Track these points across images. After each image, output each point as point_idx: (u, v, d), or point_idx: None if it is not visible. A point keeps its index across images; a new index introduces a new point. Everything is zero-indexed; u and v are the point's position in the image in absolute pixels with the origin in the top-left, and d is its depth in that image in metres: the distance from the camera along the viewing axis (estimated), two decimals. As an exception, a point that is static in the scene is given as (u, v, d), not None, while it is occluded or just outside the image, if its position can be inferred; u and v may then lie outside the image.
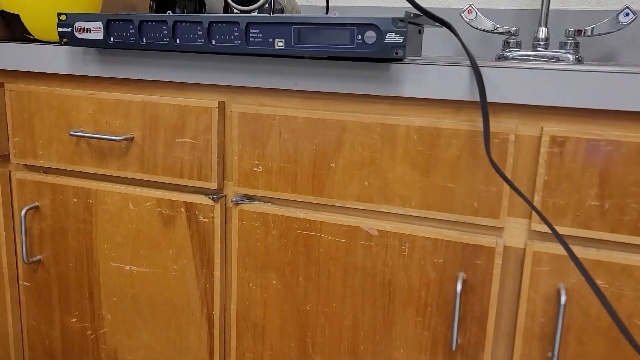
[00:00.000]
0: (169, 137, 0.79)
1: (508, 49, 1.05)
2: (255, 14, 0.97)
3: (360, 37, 0.63)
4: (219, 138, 0.77)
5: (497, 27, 1.04)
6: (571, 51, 1.01)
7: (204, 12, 1.06)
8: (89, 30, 0.75)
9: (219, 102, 0.76)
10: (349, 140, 0.71)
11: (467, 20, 1.06)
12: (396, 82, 0.67)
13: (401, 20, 0.61)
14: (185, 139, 0.78)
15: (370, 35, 0.63)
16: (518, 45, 1.05)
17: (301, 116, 0.72)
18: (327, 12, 1.20)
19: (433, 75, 0.65)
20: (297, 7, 1.09)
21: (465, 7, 1.06)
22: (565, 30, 1.01)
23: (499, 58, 1.06)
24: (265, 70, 0.72)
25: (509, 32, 1.04)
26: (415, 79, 0.66)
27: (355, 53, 0.64)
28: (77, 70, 0.81)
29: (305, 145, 0.73)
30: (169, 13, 0.78)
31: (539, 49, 1.03)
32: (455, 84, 0.64)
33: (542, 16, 1.02)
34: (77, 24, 0.75)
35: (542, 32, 1.03)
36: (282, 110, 0.73)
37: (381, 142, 0.69)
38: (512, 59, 1.04)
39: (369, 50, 0.63)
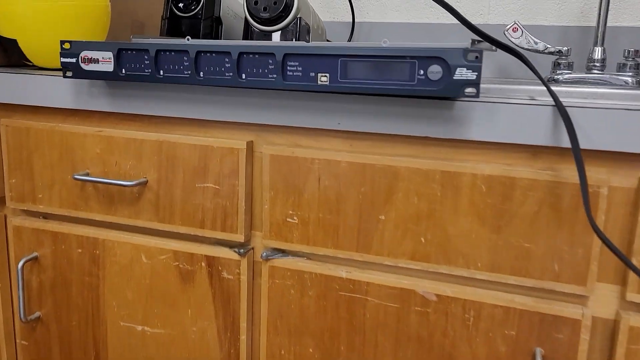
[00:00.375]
0: (188, 182, 0.68)
1: (559, 71, 0.95)
2: (279, 40, 0.87)
3: (422, 72, 0.53)
4: (246, 183, 0.66)
5: (548, 47, 0.93)
6: (630, 73, 0.91)
7: (221, 32, 0.96)
8: (96, 61, 0.64)
9: (247, 142, 0.66)
10: (402, 188, 0.60)
11: (512, 38, 0.96)
12: (461, 122, 0.56)
13: (474, 51, 0.51)
14: (207, 184, 0.68)
15: (435, 70, 0.52)
16: (570, 67, 0.94)
17: (345, 160, 0.62)
18: (352, 29, 1.11)
19: (506, 115, 0.55)
20: (322, 25, 0.99)
21: (510, 25, 0.95)
22: (624, 50, 0.91)
23: (548, 81, 0.95)
24: (302, 107, 0.62)
25: (560, 51, 0.94)
26: (484, 120, 0.56)
27: (415, 91, 0.53)
28: (83, 104, 0.70)
29: (350, 194, 0.62)
30: (188, 39, 0.68)
31: (594, 71, 0.93)
32: (534, 126, 0.54)
33: (598, 34, 0.92)
34: (84, 54, 0.65)
35: (598, 53, 0.92)
36: (321, 152, 0.63)
37: (441, 192, 0.59)
38: (563, 82, 0.94)
39: (433, 88, 0.53)
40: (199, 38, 0.93)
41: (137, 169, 0.70)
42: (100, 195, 0.73)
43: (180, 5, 0.93)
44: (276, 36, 0.88)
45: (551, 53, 0.94)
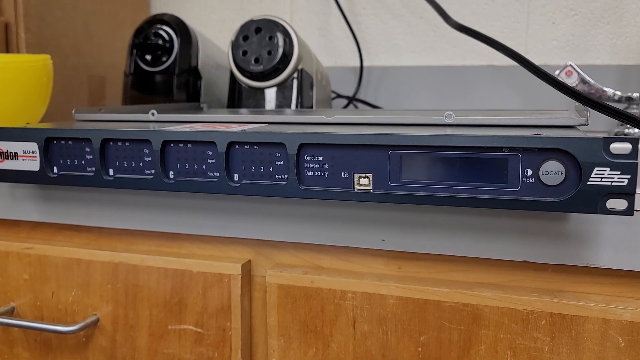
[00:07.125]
0: (157, 322, 0.47)
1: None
2: (275, 97, 0.67)
3: (529, 171, 0.32)
4: (243, 326, 0.45)
5: (617, 94, 0.74)
6: None
7: (201, 89, 0.76)
8: (14, 156, 0.43)
9: (242, 264, 0.44)
10: (486, 339, 0.39)
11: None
12: (581, 240, 0.36)
13: (623, 140, 0.31)
14: (185, 326, 0.46)
15: (554, 170, 0.32)
16: (643, 118, 0.75)
17: (393, 294, 0.41)
18: (360, 76, 0.91)
19: (656, 229, 0.34)
20: (325, 73, 0.79)
21: (563, 68, 0.76)
22: None
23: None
24: (325, 216, 0.41)
25: (630, 98, 0.75)
26: (620, 236, 0.35)
27: (519, 204, 0.33)
28: (2, 211, 0.49)
29: (404, 346, 0.41)
30: (152, 114, 0.47)
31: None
32: None
33: (677, 77, 0.73)
34: (-8, 147, 0.43)
35: (678, 100, 0.73)
36: (357, 282, 0.42)
37: (551, 345, 0.38)
38: None
39: (551, 199, 0.32)
40: (172, 97, 0.72)
41: (84, 303, 0.49)
42: (32, 339, 0.51)
43: (148, 57, 0.72)
44: (271, 93, 0.68)
45: (617, 101, 0.75)
